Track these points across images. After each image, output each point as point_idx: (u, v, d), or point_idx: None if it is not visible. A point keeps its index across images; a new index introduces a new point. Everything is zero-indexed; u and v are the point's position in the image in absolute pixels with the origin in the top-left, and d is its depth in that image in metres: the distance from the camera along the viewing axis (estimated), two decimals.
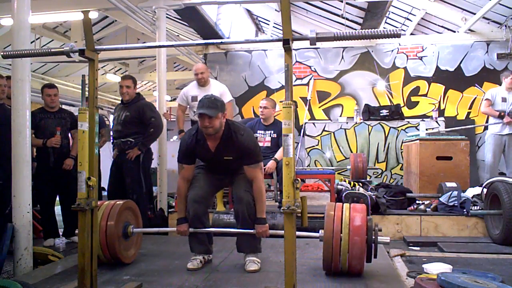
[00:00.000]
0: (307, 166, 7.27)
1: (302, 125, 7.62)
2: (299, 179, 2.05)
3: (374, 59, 7.98)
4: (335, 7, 8.01)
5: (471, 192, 4.82)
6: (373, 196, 4.74)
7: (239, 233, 2.97)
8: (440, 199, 4.85)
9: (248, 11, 9.78)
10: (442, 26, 8.17)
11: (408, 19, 8.23)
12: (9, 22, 6.00)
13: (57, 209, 4.52)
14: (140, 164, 4.32)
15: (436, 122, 6.95)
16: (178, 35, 8.66)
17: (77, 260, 2.27)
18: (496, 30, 7.48)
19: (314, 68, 8.18)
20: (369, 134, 7.14)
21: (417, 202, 5.11)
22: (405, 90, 7.91)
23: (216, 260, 3.14)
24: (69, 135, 4.55)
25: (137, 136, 4.32)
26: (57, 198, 4.53)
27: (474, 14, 6.87)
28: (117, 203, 2.95)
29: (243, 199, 2.88)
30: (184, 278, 2.74)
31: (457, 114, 7.75)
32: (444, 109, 7.76)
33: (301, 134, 7.58)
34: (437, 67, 7.80)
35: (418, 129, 6.43)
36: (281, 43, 2.02)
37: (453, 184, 4.98)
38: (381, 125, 7.11)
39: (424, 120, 6.95)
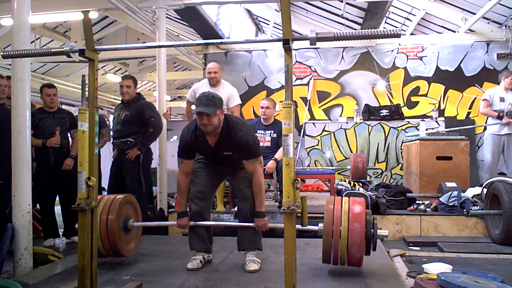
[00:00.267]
0: (307, 166, 7.27)
1: (302, 125, 7.63)
2: (299, 179, 2.05)
3: (374, 59, 7.99)
4: (335, 7, 8.01)
5: (471, 192, 4.82)
6: (373, 196, 4.74)
7: (239, 227, 2.97)
8: (440, 199, 4.85)
9: (248, 11, 9.78)
10: (442, 26, 8.17)
11: (408, 19, 8.23)
12: (9, 22, 6.00)
13: (57, 209, 4.52)
14: (140, 164, 4.32)
15: (436, 122, 6.95)
16: (178, 35, 8.66)
17: (77, 260, 2.27)
18: (496, 30, 7.48)
19: (314, 68, 8.18)
20: (369, 134, 7.14)
21: (417, 202, 5.11)
22: (405, 90, 7.92)
23: (216, 260, 3.14)
24: (69, 135, 4.55)
25: (137, 136, 4.32)
26: (57, 198, 4.53)
27: (474, 14, 6.87)
28: (117, 197, 2.95)
29: (247, 197, 2.90)
30: (184, 278, 2.74)
31: (457, 114, 7.75)
32: (444, 109, 7.76)
33: (301, 134, 7.58)
34: (437, 67, 7.81)
35: (418, 129, 6.43)
36: (281, 43, 2.02)
37: (453, 184, 4.98)
38: (381, 125, 7.12)
39: (424, 120, 6.95)
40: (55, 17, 7.01)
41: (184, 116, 6.82)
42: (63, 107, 9.26)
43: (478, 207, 4.52)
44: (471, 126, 7.16)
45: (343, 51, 8.09)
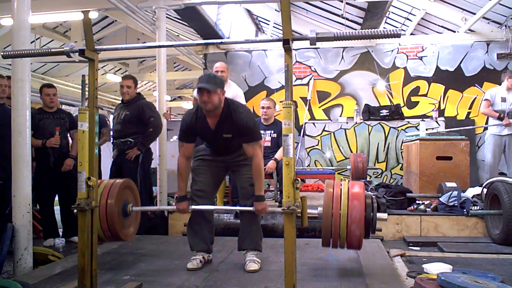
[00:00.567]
0: (307, 166, 7.27)
1: (302, 125, 7.63)
2: (299, 179, 2.05)
3: (374, 59, 7.99)
4: (335, 7, 8.01)
5: (471, 192, 4.82)
6: (373, 196, 4.73)
7: (239, 211, 2.97)
8: (440, 199, 4.85)
9: (248, 11, 9.78)
10: (442, 26, 8.17)
11: (408, 19, 8.22)
12: (9, 22, 6.00)
13: (57, 209, 4.52)
14: (139, 164, 4.32)
15: (436, 122, 6.95)
16: (178, 35, 8.66)
17: (77, 260, 2.27)
18: (496, 30, 7.48)
19: (314, 68, 8.18)
20: (369, 134, 7.14)
21: (417, 202, 5.11)
22: (405, 90, 7.92)
23: (216, 260, 3.14)
24: (68, 135, 4.55)
25: (136, 136, 4.32)
26: (56, 198, 4.53)
27: (474, 14, 6.87)
28: (116, 182, 2.91)
29: (251, 196, 2.90)
30: (184, 278, 2.74)
31: (457, 114, 7.75)
32: (444, 109, 7.76)
33: (301, 134, 7.58)
34: (437, 67, 7.80)
35: (418, 129, 6.43)
36: (281, 43, 2.02)
37: (453, 184, 4.98)
38: (381, 125, 7.11)
39: (424, 120, 6.95)
40: (55, 17, 7.01)
41: None
42: (63, 107, 9.29)
43: (478, 207, 4.52)
44: (472, 127, 7.16)
45: (343, 51, 8.09)
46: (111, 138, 4.95)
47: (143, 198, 4.44)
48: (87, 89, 2.34)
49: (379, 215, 2.64)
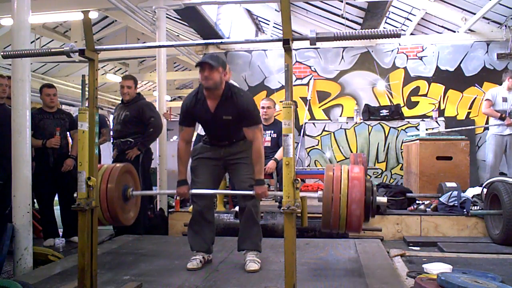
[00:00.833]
0: (307, 166, 7.27)
1: (302, 125, 7.62)
2: (299, 179, 2.05)
3: (374, 59, 7.98)
4: (335, 7, 8.01)
5: (471, 192, 4.82)
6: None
7: (239, 196, 2.93)
8: (440, 199, 4.85)
9: (248, 11, 9.78)
10: (442, 26, 8.17)
11: (408, 19, 8.22)
12: (9, 22, 6.00)
13: (57, 209, 4.52)
14: (139, 164, 4.32)
15: (436, 122, 6.95)
16: (178, 35, 8.66)
17: (77, 260, 2.27)
18: (496, 30, 7.47)
19: (314, 68, 8.18)
20: (369, 134, 7.14)
21: (417, 202, 5.11)
22: (405, 90, 7.91)
23: (216, 260, 3.14)
24: (68, 135, 4.55)
25: (136, 136, 4.32)
26: (56, 198, 4.53)
27: (474, 14, 6.86)
28: (116, 166, 2.89)
29: (250, 197, 2.88)
30: (184, 278, 2.74)
31: (457, 114, 7.74)
32: (444, 109, 7.75)
33: (301, 134, 7.57)
34: (437, 67, 7.80)
35: (418, 129, 6.42)
36: (281, 43, 2.02)
37: (453, 184, 4.98)
38: (381, 125, 7.11)
39: (424, 120, 6.95)
40: (55, 17, 7.01)
41: None
42: (63, 107, 9.29)
43: (478, 207, 4.52)
44: (472, 127, 7.16)
45: (343, 51, 8.09)
46: (111, 138, 4.95)
47: (143, 198, 4.45)
48: (87, 89, 2.34)
49: (378, 198, 2.61)
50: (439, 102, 7.78)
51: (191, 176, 3.07)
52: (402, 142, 6.77)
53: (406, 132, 6.81)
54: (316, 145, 7.34)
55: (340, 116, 7.97)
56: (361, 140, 7.19)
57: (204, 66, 2.73)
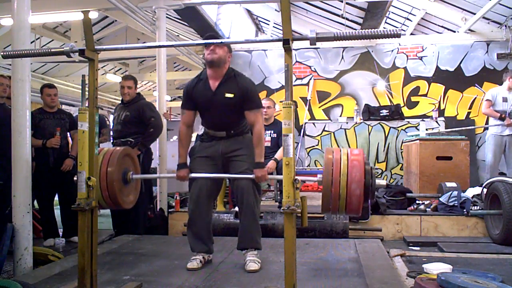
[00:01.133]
0: (307, 166, 7.27)
1: (302, 125, 7.62)
2: (299, 179, 2.05)
3: (374, 59, 7.98)
4: (335, 7, 8.01)
5: (471, 192, 4.82)
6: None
7: (238, 178, 2.91)
8: (440, 199, 4.86)
9: (248, 11, 9.78)
10: (442, 26, 8.17)
11: (408, 19, 8.22)
12: (9, 22, 6.00)
13: (57, 209, 4.52)
14: (140, 164, 4.30)
15: (436, 122, 6.95)
16: (178, 35, 8.65)
17: (77, 260, 2.27)
18: (496, 30, 7.47)
19: (314, 68, 8.18)
20: (369, 134, 7.14)
21: (417, 202, 5.11)
22: (405, 90, 7.92)
23: (216, 260, 3.14)
24: (68, 135, 4.55)
25: (137, 136, 4.32)
26: (56, 198, 4.53)
27: (474, 14, 6.87)
28: (116, 149, 2.86)
29: (245, 188, 2.89)
30: (184, 278, 2.74)
31: (457, 114, 7.75)
32: (444, 109, 7.76)
33: (301, 134, 7.58)
34: (437, 67, 7.80)
35: (418, 129, 6.43)
36: (281, 43, 2.02)
37: (453, 184, 4.98)
38: (381, 125, 7.11)
39: (424, 120, 6.95)
40: (55, 17, 7.00)
41: None
42: (63, 107, 9.29)
43: (478, 207, 4.52)
44: (472, 127, 7.16)
45: (343, 51, 8.09)
46: (111, 138, 4.95)
47: (143, 198, 4.45)
48: (87, 89, 2.34)
49: (378, 181, 2.60)
50: (439, 102, 7.79)
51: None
52: (402, 142, 6.77)
53: (406, 132, 6.81)
54: (316, 145, 7.34)
55: (340, 116, 7.98)
56: (361, 140, 7.19)
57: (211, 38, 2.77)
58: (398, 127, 7.06)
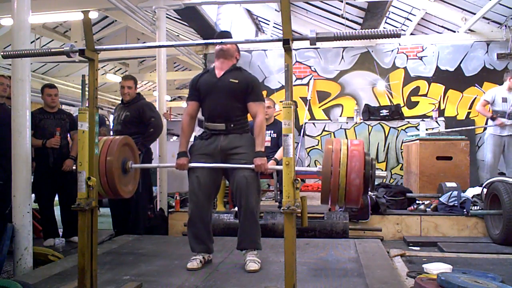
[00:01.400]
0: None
1: (302, 125, 7.62)
2: (299, 179, 2.05)
3: (374, 59, 7.98)
4: (335, 7, 8.01)
5: (471, 192, 4.82)
6: (373, 196, 4.75)
7: (236, 168, 2.91)
8: (440, 199, 4.86)
9: (248, 11, 9.79)
10: (442, 26, 8.17)
11: (408, 19, 8.22)
12: (9, 22, 6.00)
13: (57, 209, 4.52)
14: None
15: (436, 122, 6.95)
16: (178, 35, 8.66)
17: (77, 260, 2.27)
18: (496, 30, 7.47)
19: (314, 68, 8.18)
20: (369, 134, 7.14)
21: (417, 202, 5.11)
22: (405, 90, 7.91)
23: (216, 260, 3.14)
24: (68, 136, 4.55)
25: (137, 136, 4.31)
26: (56, 198, 4.53)
27: (474, 14, 6.87)
28: (115, 138, 2.87)
29: (244, 188, 2.88)
30: (184, 278, 2.74)
31: (457, 114, 7.74)
32: (444, 109, 7.75)
33: (301, 134, 7.58)
34: (437, 67, 7.80)
35: (418, 129, 6.43)
36: (281, 43, 2.02)
37: (453, 184, 4.98)
38: (381, 125, 7.11)
39: (424, 120, 6.95)
40: (55, 17, 7.01)
41: None
42: (63, 107, 9.29)
43: (478, 207, 4.52)
44: (472, 127, 7.16)
45: (343, 51, 8.09)
46: None
47: (143, 198, 4.46)
48: (87, 89, 2.34)
49: (378, 172, 2.59)
50: (439, 102, 7.79)
51: (188, 174, 3.04)
52: (402, 142, 6.77)
53: (406, 132, 6.81)
54: (316, 145, 7.34)
55: (340, 116, 7.97)
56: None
57: (223, 35, 2.96)
58: (398, 127, 7.06)
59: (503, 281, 2.79)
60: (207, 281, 2.68)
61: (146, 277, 2.76)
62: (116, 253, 3.48)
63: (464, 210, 4.56)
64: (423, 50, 7.86)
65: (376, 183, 6.07)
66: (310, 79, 8.14)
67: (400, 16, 8.20)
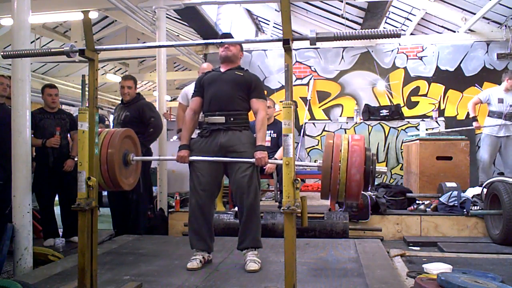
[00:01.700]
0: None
1: (302, 125, 7.62)
2: (299, 179, 2.05)
3: (374, 59, 7.98)
4: (335, 7, 8.01)
5: (471, 192, 4.82)
6: (373, 196, 4.74)
7: (236, 162, 2.92)
8: (440, 199, 4.86)
9: (248, 11, 9.79)
10: (442, 26, 8.17)
11: (408, 19, 8.22)
12: (9, 22, 6.00)
13: (57, 209, 4.52)
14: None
15: (436, 122, 6.95)
16: (178, 35, 8.66)
17: (77, 260, 2.27)
18: (496, 30, 7.47)
19: (314, 68, 8.18)
20: (369, 134, 7.14)
21: (417, 202, 5.11)
22: (405, 90, 7.91)
23: (216, 260, 3.14)
24: (68, 136, 4.55)
25: (137, 136, 4.32)
26: (56, 198, 4.53)
27: (474, 14, 6.86)
28: (117, 131, 2.86)
29: (245, 188, 2.90)
30: (184, 278, 2.74)
31: (457, 114, 7.74)
32: (444, 109, 7.75)
33: (301, 134, 7.58)
34: (437, 67, 7.80)
35: (418, 129, 6.43)
36: (281, 43, 2.02)
37: (453, 184, 4.98)
38: (381, 125, 7.11)
39: (424, 120, 6.95)
40: (55, 17, 7.00)
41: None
42: (63, 107, 9.29)
43: (478, 207, 4.52)
44: (472, 127, 7.14)
45: (343, 51, 8.09)
46: None
47: (143, 198, 4.46)
48: (87, 89, 2.34)
49: (378, 167, 2.58)
50: (439, 102, 7.78)
51: (189, 170, 3.04)
52: (402, 142, 6.77)
53: (406, 132, 6.81)
54: (316, 145, 7.34)
55: (340, 116, 7.97)
56: None
57: (226, 38, 3.02)
58: (398, 127, 7.06)
59: (503, 281, 2.79)
60: (207, 281, 2.68)
61: (146, 277, 2.77)
62: (116, 253, 3.49)
63: (464, 210, 4.56)
64: (423, 50, 7.86)
65: (376, 182, 6.08)
66: (310, 79, 8.14)
67: (400, 16, 8.20)
